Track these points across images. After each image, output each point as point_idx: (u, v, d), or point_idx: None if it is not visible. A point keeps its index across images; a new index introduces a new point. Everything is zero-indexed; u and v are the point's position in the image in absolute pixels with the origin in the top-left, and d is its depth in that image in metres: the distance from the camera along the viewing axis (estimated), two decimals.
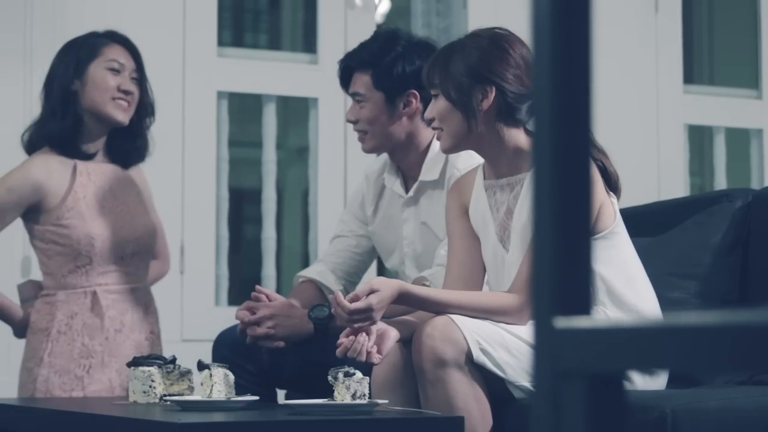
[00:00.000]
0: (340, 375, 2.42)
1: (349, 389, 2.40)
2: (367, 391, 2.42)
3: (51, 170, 3.35)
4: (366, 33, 4.62)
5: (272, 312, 3.14)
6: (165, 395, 2.90)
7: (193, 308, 4.56)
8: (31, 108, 4.34)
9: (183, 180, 4.57)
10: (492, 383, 2.65)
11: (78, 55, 3.40)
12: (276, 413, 2.41)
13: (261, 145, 4.88)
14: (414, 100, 3.24)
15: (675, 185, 5.18)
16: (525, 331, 2.68)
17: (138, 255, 3.44)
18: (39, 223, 3.35)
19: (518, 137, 2.84)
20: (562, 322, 1.04)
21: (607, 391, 1.03)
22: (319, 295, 3.39)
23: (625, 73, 5.20)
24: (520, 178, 2.84)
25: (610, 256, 2.76)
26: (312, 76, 4.79)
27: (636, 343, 1.00)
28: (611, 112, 5.07)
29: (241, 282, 5.24)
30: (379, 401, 2.45)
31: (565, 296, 1.06)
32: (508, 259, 2.82)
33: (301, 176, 7.66)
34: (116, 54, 3.41)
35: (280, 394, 3.53)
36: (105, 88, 3.36)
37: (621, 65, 5.18)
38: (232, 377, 2.67)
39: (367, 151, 3.32)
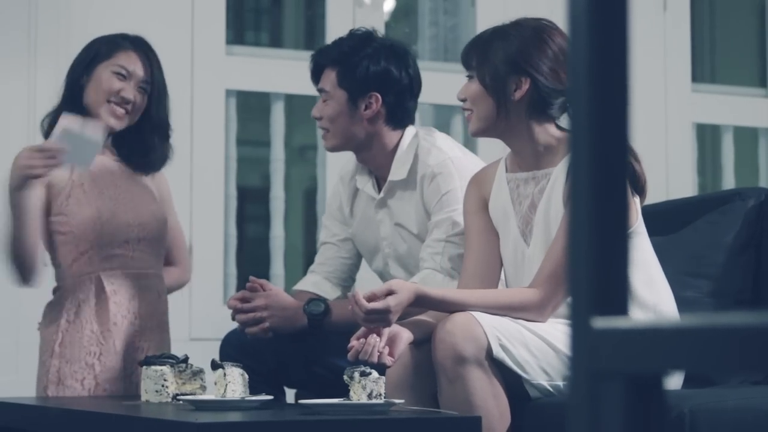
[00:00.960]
0: (356, 374, 2.41)
1: (365, 389, 2.39)
2: (383, 391, 2.41)
3: None
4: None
5: (267, 302, 3.15)
6: (177, 394, 2.89)
7: (202, 307, 4.55)
8: (36, 105, 4.34)
9: (191, 178, 4.56)
10: (509, 381, 2.64)
11: (96, 51, 3.42)
12: (293, 413, 2.40)
13: (264, 144, 4.87)
14: (375, 103, 3.22)
15: (683, 184, 5.17)
16: (545, 329, 2.67)
17: (144, 241, 3.40)
18: (49, 216, 3.36)
19: (548, 132, 2.83)
20: (599, 323, 1.03)
21: (646, 393, 1.02)
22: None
23: (633, 71, 5.18)
24: (546, 173, 2.83)
25: (632, 257, 2.73)
26: None
27: (675, 344, 0.99)
28: None
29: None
30: (396, 401, 2.44)
31: (602, 296, 1.05)
32: (529, 254, 2.81)
33: (302, 175, 7.64)
34: (128, 61, 3.40)
35: (289, 394, 3.52)
36: (105, 90, 3.35)
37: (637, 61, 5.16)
38: (246, 377, 2.66)
39: (329, 149, 3.32)
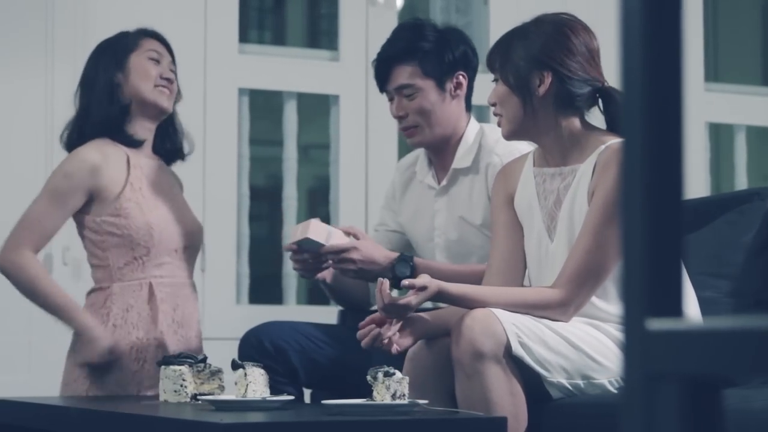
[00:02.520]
0: (380, 375, 2.39)
1: (389, 389, 2.38)
2: (406, 391, 2.40)
3: (107, 155, 3.34)
4: (388, 29, 4.59)
5: (358, 254, 3.11)
6: (196, 394, 2.88)
7: (215, 307, 4.54)
8: (53, 104, 4.33)
9: (204, 178, 4.55)
10: (528, 380, 2.63)
11: (116, 49, 3.41)
12: (317, 413, 2.39)
13: (273, 143, 4.86)
14: (464, 80, 3.25)
15: (696, 184, 5.15)
16: (565, 327, 2.66)
17: (189, 249, 3.42)
18: (92, 214, 3.32)
19: (574, 125, 2.81)
20: (654, 324, 1.01)
21: (702, 395, 1.01)
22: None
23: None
24: (572, 169, 2.81)
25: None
26: (333, 73, 4.77)
27: (731, 346, 0.98)
28: None
29: (261, 280, 5.21)
30: (420, 401, 2.43)
31: (656, 297, 1.03)
32: (552, 249, 2.80)
33: (306, 174, 7.64)
34: (153, 44, 3.44)
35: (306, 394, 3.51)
36: (148, 75, 3.38)
37: None
38: (266, 377, 2.65)
39: (417, 144, 3.28)
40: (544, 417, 2.68)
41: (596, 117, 2.89)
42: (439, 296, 2.67)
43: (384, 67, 3.25)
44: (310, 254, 3.12)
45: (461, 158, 3.24)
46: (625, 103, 1.05)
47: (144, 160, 3.42)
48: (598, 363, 2.65)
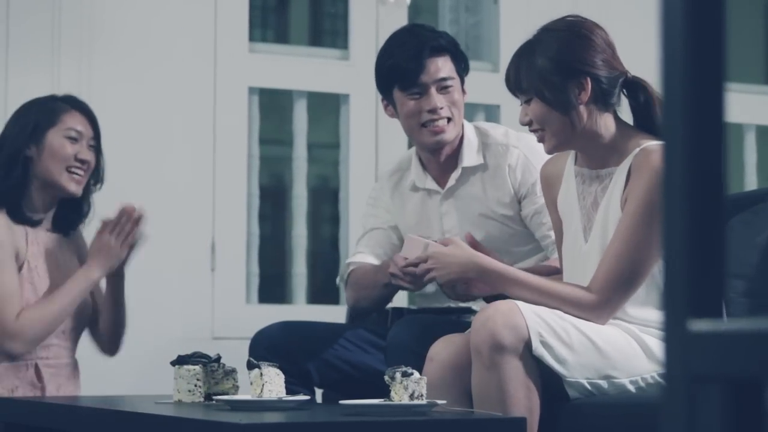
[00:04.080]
0: (398, 375, 2.38)
1: (407, 389, 2.37)
2: (424, 392, 2.39)
3: (11, 227, 3.28)
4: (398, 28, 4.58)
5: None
6: (209, 394, 2.87)
7: (224, 306, 4.53)
8: None
9: (214, 177, 4.54)
10: (548, 379, 2.62)
11: (36, 119, 3.32)
12: (335, 414, 2.38)
13: (280, 143, 4.86)
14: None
15: None
16: (589, 326, 2.66)
17: (76, 329, 3.40)
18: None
19: (610, 125, 2.78)
20: (696, 326, 1.01)
21: (744, 397, 1.00)
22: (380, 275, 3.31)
23: (656, 70, 5.16)
24: (609, 172, 2.79)
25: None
26: (343, 72, 4.76)
27: None
28: None
29: (270, 280, 5.21)
30: (438, 401, 2.42)
31: (698, 298, 1.03)
32: (586, 250, 2.79)
33: (309, 174, 7.62)
34: (75, 122, 3.34)
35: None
36: (62, 156, 3.28)
37: (653, 62, 5.14)
38: (282, 376, 2.64)
39: (445, 142, 3.24)
40: (563, 416, 2.68)
41: (622, 110, 2.88)
42: (476, 267, 2.74)
43: (423, 59, 3.22)
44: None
45: (470, 157, 3.24)
46: (665, 105, 1.04)
47: (42, 235, 3.35)
48: (620, 363, 2.65)
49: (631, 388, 2.66)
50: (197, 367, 2.88)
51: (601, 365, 2.63)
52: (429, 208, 3.31)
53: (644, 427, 2.57)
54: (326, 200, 5.95)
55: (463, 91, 3.28)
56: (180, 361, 2.93)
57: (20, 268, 3.27)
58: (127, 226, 3.33)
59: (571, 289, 2.71)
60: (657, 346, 2.68)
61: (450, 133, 3.22)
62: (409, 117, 3.24)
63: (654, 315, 2.71)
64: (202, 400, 2.85)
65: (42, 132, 3.30)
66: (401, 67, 3.23)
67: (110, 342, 3.49)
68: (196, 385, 2.86)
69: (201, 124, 4.50)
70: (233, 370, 2.93)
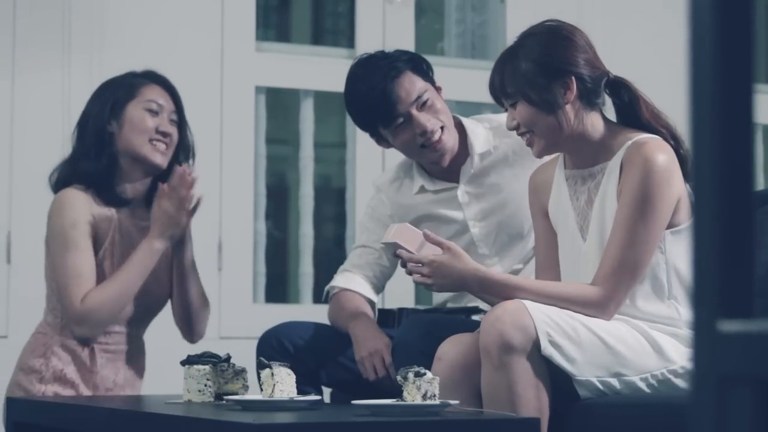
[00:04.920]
0: (411, 375, 2.38)
1: (420, 389, 2.37)
2: (437, 392, 2.39)
3: (92, 209, 3.24)
4: (405, 28, 4.59)
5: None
6: (219, 394, 2.86)
7: (231, 306, 4.52)
8: (70, 104, 4.31)
9: (221, 176, 4.54)
10: (558, 379, 2.62)
11: (115, 95, 3.25)
12: (348, 414, 2.37)
13: (286, 142, 4.85)
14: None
15: None
16: (598, 323, 2.65)
17: (136, 316, 3.34)
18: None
19: (597, 123, 2.80)
20: (725, 326, 1.00)
21: None
22: (366, 305, 3.30)
23: (667, 70, 5.16)
24: (601, 168, 2.80)
25: (686, 250, 2.74)
26: None
27: None
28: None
29: (277, 279, 5.20)
30: (451, 401, 2.41)
31: (728, 298, 1.02)
32: (585, 249, 2.79)
33: (315, 173, 7.62)
34: (155, 94, 3.28)
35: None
36: (143, 129, 3.22)
37: (663, 62, 5.14)
38: (293, 376, 2.63)
39: (448, 150, 3.21)
40: (573, 416, 2.67)
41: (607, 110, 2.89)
42: (477, 279, 2.70)
43: (389, 92, 3.14)
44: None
45: (479, 143, 3.22)
46: (693, 104, 1.03)
47: (128, 223, 3.29)
48: (629, 361, 2.64)
49: (642, 385, 2.65)
50: (207, 367, 2.88)
51: (611, 363, 2.63)
52: (445, 201, 3.28)
53: (655, 428, 2.57)
54: (332, 200, 5.94)
55: (438, 89, 3.22)
56: (190, 360, 2.92)
57: (98, 252, 3.22)
58: (182, 191, 3.22)
59: (575, 287, 2.71)
60: (666, 342, 2.67)
61: (449, 140, 3.19)
62: (405, 145, 3.20)
63: (663, 310, 2.71)
64: (212, 400, 2.84)
65: (121, 106, 3.24)
66: (374, 109, 3.16)
67: (184, 324, 3.41)
68: (206, 385, 2.86)
69: (208, 123, 4.49)
70: (243, 370, 2.93)
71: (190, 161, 3.36)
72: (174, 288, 3.38)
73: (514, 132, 2.86)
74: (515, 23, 4.93)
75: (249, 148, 4.61)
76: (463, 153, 3.24)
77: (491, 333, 2.55)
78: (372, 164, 4.75)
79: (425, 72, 3.21)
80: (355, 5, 4.82)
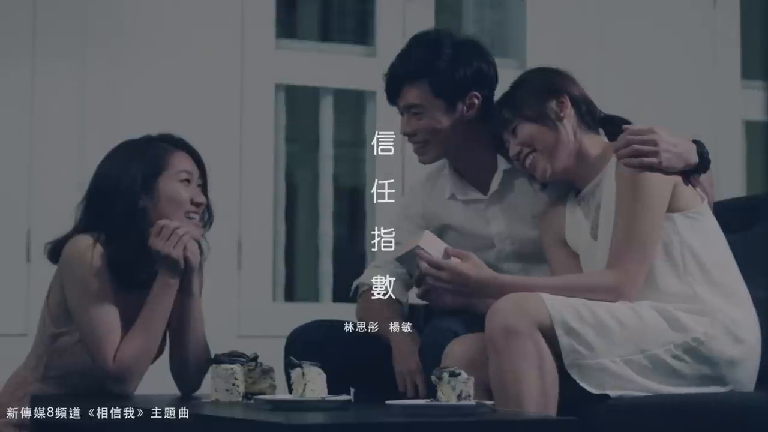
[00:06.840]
0: (445, 375, 2.37)
1: (455, 389, 2.35)
2: (472, 392, 2.37)
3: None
4: (425, 25, 4.55)
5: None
6: (247, 394, 2.85)
7: (250, 304, 4.52)
8: (85, 105, 4.31)
9: (240, 175, 4.53)
10: (586, 379, 2.64)
11: (143, 167, 3.04)
12: (382, 414, 2.36)
13: (306, 140, 4.85)
14: (477, 101, 3.14)
15: (732, 182, 5.12)
16: (609, 308, 2.68)
17: None
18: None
19: (595, 142, 2.93)
20: None
21: None
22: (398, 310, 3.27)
23: (682, 67, 5.14)
24: (600, 176, 2.91)
25: (699, 235, 2.82)
26: (370, 69, 4.74)
27: None
28: (668, 107, 5.01)
29: (296, 278, 5.20)
30: (486, 402, 2.40)
31: None
32: (596, 246, 2.87)
33: (334, 171, 7.61)
34: (184, 163, 3.08)
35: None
36: (180, 203, 3.04)
37: (678, 60, 5.13)
38: (324, 376, 2.62)
39: (429, 161, 3.20)
40: (598, 416, 2.66)
41: None
42: (496, 284, 2.77)
43: (394, 84, 3.18)
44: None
45: (503, 159, 3.20)
46: None
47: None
48: (648, 336, 2.67)
49: (667, 357, 2.66)
50: (235, 366, 2.86)
51: (634, 339, 2.66)
52: (473, 214, 3.25)
53: (681, 426, 2.56)
54: (351, 198, 5.92)
55: (460, 111, 3.13)
56: (217, 360, 2.91)
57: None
58: (170, 226, 3.01)
59: (590, 276, 2.80)
60: (684, 316, 2.70)
61: (429, 156, 3.19)
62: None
63: (680, 288, 2.76)
64: (240, 399, 2.83)
65: (153, 180, 3.04)
66: (388, 79, 3.22)
67: (180, 372, 3.19)
68: (234, 384, 2.84)
69: (227, 121, 4.49)
70: (270, 369, 2.91)
71: (207, 227, 3.17)
72: (174, 322, 3.14)
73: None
74: (536, 21, 4.91)
75: (268, 146, 4.60)
76: (492, 165, 3.22)
77: (494, 320, 2.62)
78: (391, 163, 4.74)
79: (446, 87, 3.12)
80: (375, 3, 4.81)
